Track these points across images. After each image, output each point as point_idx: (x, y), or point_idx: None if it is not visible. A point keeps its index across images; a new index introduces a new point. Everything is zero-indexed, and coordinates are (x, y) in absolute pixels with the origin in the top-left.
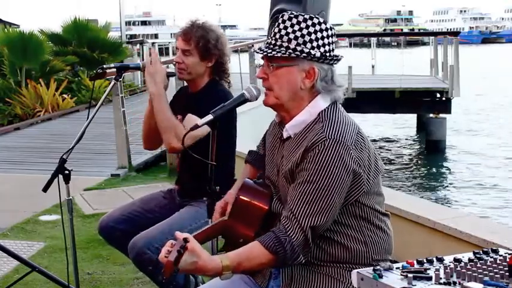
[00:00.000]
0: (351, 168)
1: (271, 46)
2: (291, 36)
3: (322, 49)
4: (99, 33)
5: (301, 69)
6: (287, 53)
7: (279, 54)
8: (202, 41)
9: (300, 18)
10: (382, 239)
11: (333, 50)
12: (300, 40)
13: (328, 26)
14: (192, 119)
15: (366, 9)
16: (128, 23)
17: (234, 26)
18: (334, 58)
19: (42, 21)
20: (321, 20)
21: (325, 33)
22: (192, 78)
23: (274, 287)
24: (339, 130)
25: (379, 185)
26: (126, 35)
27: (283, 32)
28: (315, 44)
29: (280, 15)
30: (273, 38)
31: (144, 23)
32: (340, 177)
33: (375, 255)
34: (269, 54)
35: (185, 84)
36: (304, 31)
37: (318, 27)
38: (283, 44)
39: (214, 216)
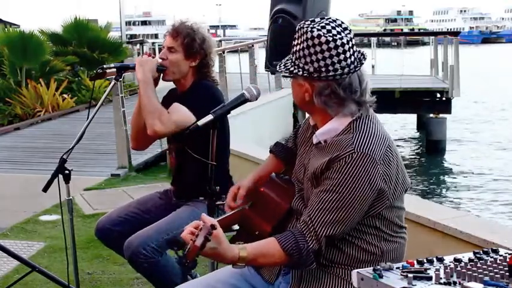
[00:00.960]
0: (376, 185)
1: (288, 60)
2: (293, 49)
3: (316, 64)
4: (99, 33)
5: (299, 83)
6: (283, 66)
7: (282, 68)
8: (188, 38)
9: (301, 32)
10: (397, 249)
11: (333, 64)
12: (297, 54)
13: (336, 44)
14: (177, 106)
15: (366, 9)
16: (128, 23)
17: (234, 26)
18: (333, 74)
19: (42, 21)
20: (324, 37)
21: (326, 53)
22: (176, 78)
23: (282, 283)
24: (368, 143)
25: (402, 200)
26: (126, 35)
27: (293, 46)
28: (308, 59)
29: (297, 28)
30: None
31: (144, 23)
32: (363, 192)
33: (386, 262)
34: (279, 69)
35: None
36: (301, 45)
37: (318, 48)
38: (292, 57)
39: (227, 200)
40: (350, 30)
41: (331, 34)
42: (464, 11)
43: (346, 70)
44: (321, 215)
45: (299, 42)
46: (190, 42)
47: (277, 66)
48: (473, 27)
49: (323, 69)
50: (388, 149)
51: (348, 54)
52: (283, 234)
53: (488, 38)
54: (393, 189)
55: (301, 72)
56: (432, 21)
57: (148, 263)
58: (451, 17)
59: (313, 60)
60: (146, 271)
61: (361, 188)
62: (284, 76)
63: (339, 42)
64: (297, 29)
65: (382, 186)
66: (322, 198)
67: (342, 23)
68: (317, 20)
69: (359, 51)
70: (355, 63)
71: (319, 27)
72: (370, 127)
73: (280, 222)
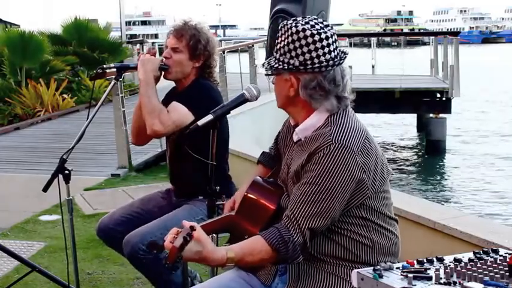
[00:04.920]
0: (355, 174)
1: (271, 58)
2: (278, 46)
3: (301, 58)
4: (99, 33)
5: (285, 78)
6: (267, 64)
7: (265, 65)
8: (193, 39)
9: (285, 29)
10: (388, 241)
11: (318, 57)
12: (282, 50)
13: (320, 37)
14: (176, 106)
15: (366, 9)
16: (128, 23)
17: (234, 26)
18: (319, 66)
19: (42, 21)
20: (309, 30)
21: (312, 46)
22: (178, 78)
23: (279, 283)
24: (345, 135)
25: (387, 190)
26: (126, 34)
27: (277, 43)
28: (293, 53)
29: (279, 26)
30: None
31: (144, 23)
32: (342, 182)
33: (380, 257)
34: (264, 66)
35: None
36: (285, 41)
37: (303, 41)
38: (275, 55)
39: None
40: (332, 27)
41: (315, 28)
42: (464, 11)
43: (330, 63)
44: (302, 207)
45: (283, 39)
46: (195, 43)
47: (261, 65)
48: (473, 27)
49: (308, 62)
50: (365, 141)
51: (331, 48)
52: (268, 230)
53: (488, 38)
54: (372, 179)
55: (286, 67)
56: (432, 21)
57: (147, 259)
58: (451, 17)
59: (299, 53)
60: (145, 268)
61: (340, 178)
62: (268, 74)
63: (323, 36)
64: (280, 27)
65: (361, 176)
66: (303, 190)
67: (324, 21)
68: (299, 18)
69: (339, 49)
70: (338, 58)
71: (303, 23)
72: (347, 120)
73: (268, 223)
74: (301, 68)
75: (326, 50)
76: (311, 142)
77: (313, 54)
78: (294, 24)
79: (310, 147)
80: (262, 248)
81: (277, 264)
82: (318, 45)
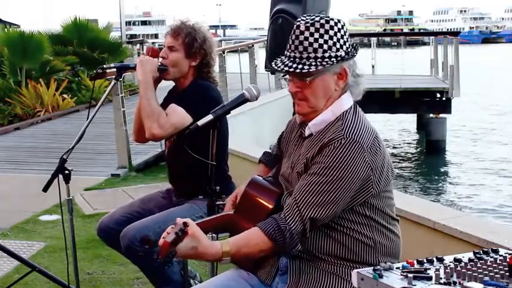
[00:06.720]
0: (362, 171)
1: (298, 60)
2: (315, 45)
3: (344, 47)
4: (100, 33)
5: (333, 73)
6: (318, 63)
7: (312, 68)
8: (189, 38)
9: (317, 25)
10: (390, 241)
11: (350, 42)
12: (325, 46)
13: (342, 22)
14: (174, 108)
15: (366, 9)
16: (128, 23)
17: (234, 26)
18: (354, 49)
19: (42, 21)
20: (335, 19)
21: (342, 31)
22: (176, 77)
23: (279, 283)
24: (357, 131)
25: (391, 191)
26: (126, 34)
27: (305, 43)
28: (338, 45)
29: (295, 26)
30: (296, 51)
31: (144, 23)
32: (349, 176)
33: (381, 257)
34: (303, 71)
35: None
36: (326, 36)
37: (336, 28)
38: (310, 55)
39: (225, 209)
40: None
41: (331, 17)
42: (464, 11)
43: (355, 45)
44: (307, 196)
45: (317, 36)
46: (191, 41)
47: (300, 70)
48: (473, 27)
49: (349, 49)
50: (375, 140)
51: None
52: (266, 220)
53: (488, 38)
54: (378, 178)
55: (335, 61)
56: (432, 21)
57: (144, 252)
58: (451, 17)
59: (342, 44)
60: (141, 261)
61: (347, 172)
62: (314, 77)
63: (342, 21)
64: (303, 28)
65: (368, 173)
66: (309, 180)
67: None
68: (306, 16)
69: None
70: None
71: (317, 19)
72: (358, 118)
73: None
74: (346, 56)
75: (348, 34)
76: (322, 136)
77: (349, 40)
78: (324, 21)
79: (322, 140)
80: (259, 239)
81: (277, 253)
82: (347, 31)
